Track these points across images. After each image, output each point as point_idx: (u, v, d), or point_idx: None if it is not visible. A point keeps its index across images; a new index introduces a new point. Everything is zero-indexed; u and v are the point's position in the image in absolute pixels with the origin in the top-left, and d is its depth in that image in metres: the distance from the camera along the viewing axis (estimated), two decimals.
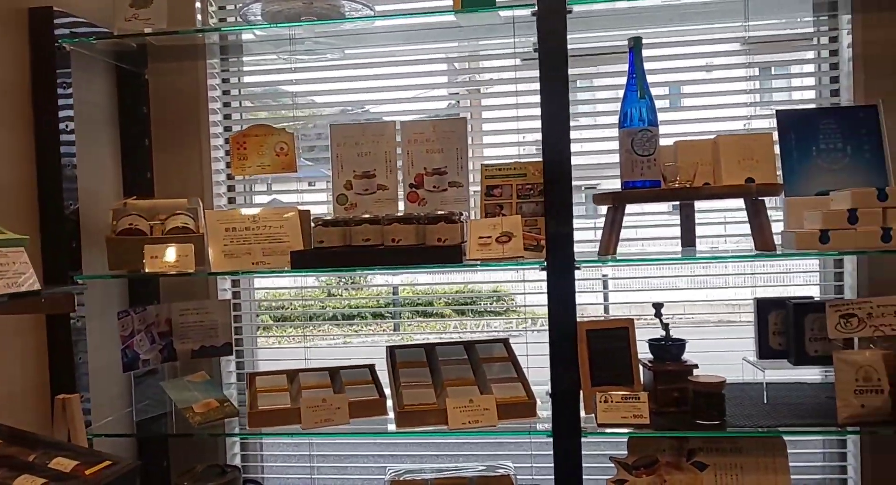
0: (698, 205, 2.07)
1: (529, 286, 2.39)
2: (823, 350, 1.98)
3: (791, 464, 1.86)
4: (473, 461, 2.27)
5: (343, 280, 3.48)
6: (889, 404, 1.76)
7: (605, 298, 2.58)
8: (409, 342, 2.27)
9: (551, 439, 1.84)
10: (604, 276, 2.70)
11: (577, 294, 1.81)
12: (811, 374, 2.30)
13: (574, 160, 1.78)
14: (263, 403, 1.97)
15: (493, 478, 2.07)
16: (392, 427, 1.91)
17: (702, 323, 2.44)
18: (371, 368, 2.15)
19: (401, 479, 2.09)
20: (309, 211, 2.07)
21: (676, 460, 1.88)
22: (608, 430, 1.81)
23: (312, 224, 1.96)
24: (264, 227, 1.99)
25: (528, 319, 2.57)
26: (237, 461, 2.54)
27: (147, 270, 1.90)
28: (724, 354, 2.29)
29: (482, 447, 2.60)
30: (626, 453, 1.90)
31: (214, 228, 1.98)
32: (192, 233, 1.99)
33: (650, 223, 2.37)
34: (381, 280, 3.59)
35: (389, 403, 1.97)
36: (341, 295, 3.64)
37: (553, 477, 1.95)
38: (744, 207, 1.84)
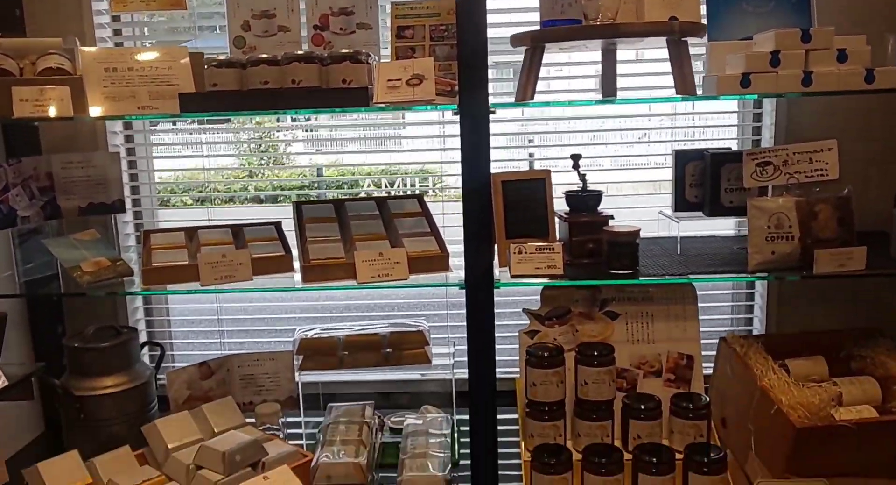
0: (621, 56, 1.97)
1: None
2: (738, 201, 1.96)
3: (701, 316, 1.87)
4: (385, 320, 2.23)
5: (265, 160, 3.28)
6: (798, 250, 1.76)
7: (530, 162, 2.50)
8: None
9: (464, 292, 1.80)
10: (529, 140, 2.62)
11: (492, 150, 1.73)
12: (725, 228, 2.32)
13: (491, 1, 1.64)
14: (158, 259, 1.84)
15: (406, 334, 2.03)
16: (298, 281, 1.82)
17: (620, 182, 2.41)
18: (277, 225, 2.03)
19: (310, 337, 2.03)
20: (202, 53, 1.88)
21: (589, 311, 1.86)
22: (522, 280, 1.77)
23: (205, 66, 1.78)
24: (150, 68, 1.80)
25: (445, 179, 2.48)
26: (141, 326, 2.43)
27: (16, 115, 1.70)
28: (641, 211, 2.28)
29: (397, 309, 2.55)
30: (539, 305, 1.87)
31: (92, 68, 1.77)
32: (67, 74, 1.78)
33: (571, 75, 2.27)
34: (304, 161, 3.42)
35: (297, 262, 1.87)
36: (263, 175, 3.45)
37: (465, 333, 1.92)
38: (667, 56, 1.74)
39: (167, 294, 2.39)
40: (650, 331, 1.84)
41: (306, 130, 2.62)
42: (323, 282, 1.81)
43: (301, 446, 2.03)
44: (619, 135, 2.38)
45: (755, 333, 2.37)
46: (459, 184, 1.73)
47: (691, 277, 1.79)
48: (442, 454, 1.72)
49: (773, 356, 1.89)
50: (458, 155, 1.71)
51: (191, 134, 2.85)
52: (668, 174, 2.08)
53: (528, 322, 1.86)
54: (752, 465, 1.76)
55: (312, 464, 1.64)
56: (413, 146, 2.47)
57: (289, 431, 2.02)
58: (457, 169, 1.76)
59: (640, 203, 2.34)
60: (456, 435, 2.03)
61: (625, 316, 1.85)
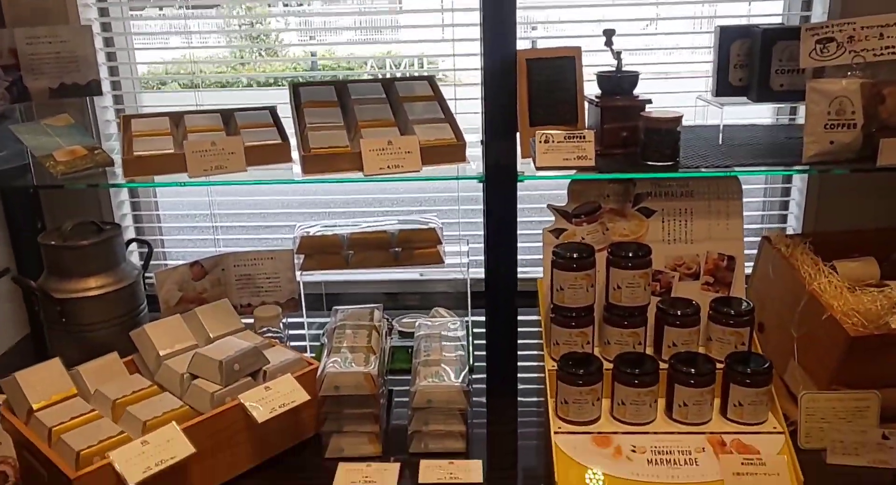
0: None
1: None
2: (791, 84, 1.74)
3: None
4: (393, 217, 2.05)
5: (256, 48, 3.01)
6: (860, 140, 1.56)
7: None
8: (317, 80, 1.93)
9: (482, 186, 1.62)
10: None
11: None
12: (762, 117, 2.11)
13: None
14: (141, 148, 1.64)
15: (417, 232, 1.86)
16: (297, 172, 1.63)
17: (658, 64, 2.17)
18: (272, 110, 1.82)
19: (312, 235, 1.85)
20: None
21: (621, 207, 1.68)
22: (548, 173, 1.57)
23: None
24: None
25: (457, 60, 2.23)
26: (128, 222, 2.26)
27: None
28: (674, 98, 2.06)
29: (397, 205, 2.36)
30: (565, 200, 1.69)
31: None
32: None
33: None
34: (299, 51, 3.13)
35: (295, 152, 1.67)
36: (255, 65, 3.17)
37: (483, 230, 1.75)
38: None
39: (152, 187, 2.20)
40: (688, 229, 1.66)
41: (299, 16, 2.36)
42: (325, 174, 1.62)
43: (304, 350, 1.90)
44: (652, 9, 2.12)
45: (790, 232, 2.21)
46: (473, 66, 1.51)
47: (737, 169, 1.60)
48: (458, 361, 1.58)
49: (820, 257, 1.72)
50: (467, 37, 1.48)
51: (176, 20, 2.58)
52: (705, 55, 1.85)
53: (553, 219, 1.68)
54: (793, 374, 1.63)
55: (318, 373, 1.50)
56: (414, 34, 2.23)
57: (291, 333, 1.88)
58: (469, 49, 1.54)
59: (674, 88, 2.11)
60: (471, 339, 1.89)
61: (661, 213, 1.66)
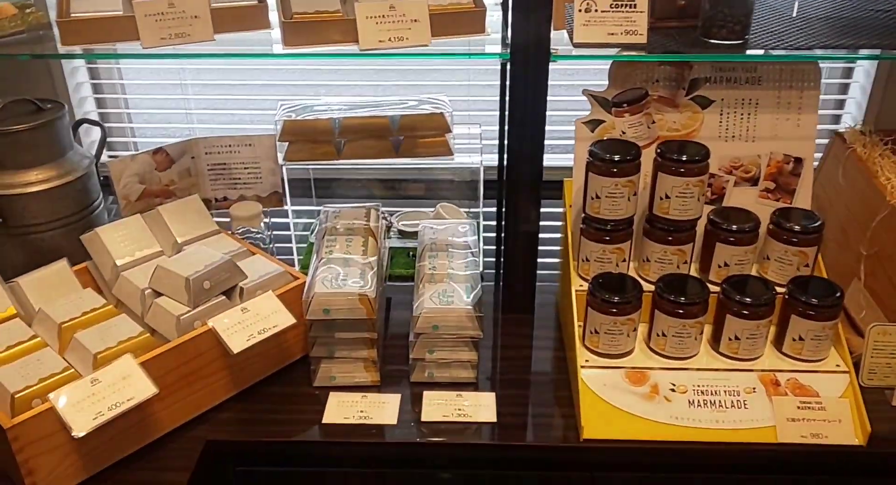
0: None
1: None
2: None
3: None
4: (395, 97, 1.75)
5: None
6: None
7: None
8: None
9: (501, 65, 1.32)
10: None
11: None
12: None
13: None
14: (79, 7, 1.31)
15: (422, 117, 1.56)
16: (278, 46, 1.32)
17: None
18: None
19: (297, 119, 1.56)
20: None
21: (672, 95, 1.38)
22: (588, 51, 1.27)
23: None
24: None
25: None
26: (89, 107, 1.94)
27: None
28: None
29: (395, 79, 2.04)
30: (605, 85, 1.39)
31: None
32: None
33: None
34: None
35: (273, 16, 1.35)
36: None
37: (499, 113, 1.46)
38: None
39: (98, 59, 1.86)
40: (751, 124, 1.38)
41: None
42: (310, 46, 1.31)
43: (290, 255, 1.66)
44: None
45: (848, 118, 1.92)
46: None
47: (819, 52, 1.29)
48: (468, 277, 1.34)
49: None
50: None
51: None
52: None
53: (590, 109, 1.39)
54: (856, 298, 1.40)
55: (305, 293, 1.26)
56: None
57: (274, 233, 1.63)
58: None
59: None
60: (481, 243, 1.65)
61: (720, 104, 1.37)
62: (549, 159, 1.39)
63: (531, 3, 1.23)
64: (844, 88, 1.93)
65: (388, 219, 1.71)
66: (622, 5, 1.26)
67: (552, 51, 1.27)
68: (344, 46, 1.30)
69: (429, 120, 1.56)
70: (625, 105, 1.38)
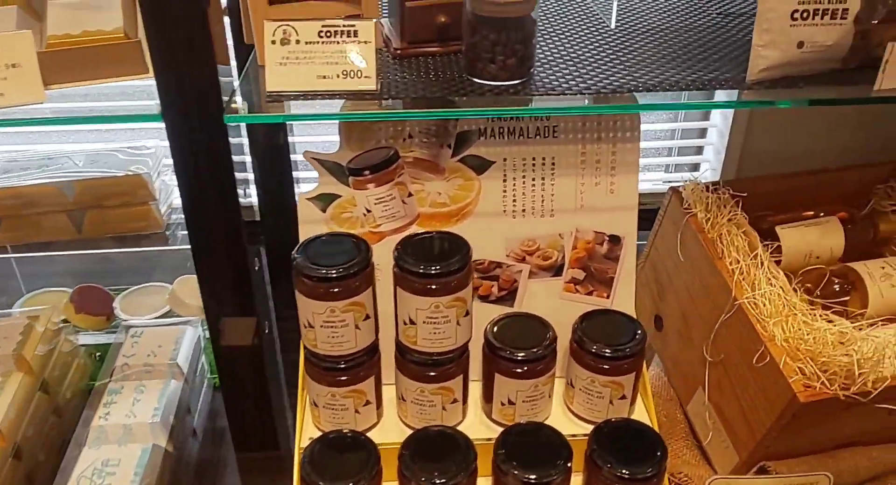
0: None
1: None
2: None
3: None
4: None
5: None
6: (849, 42, 0.88)
7: None
8: None
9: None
10: None
11: None
12: None
13: None
14: None
15: (110, 181, 1.10)
16: None
17: None
18: None
19: None
20: None
21: (434, 155, 0.96)
22: (292, 112, 0.84)
23: None
24: None
25: None
26: None
27: None
28: None
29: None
30: (338, 145, 0.96)
31: None
32: None
33: None
34: None
35: None
36: None
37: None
38: None
39: None
40: (547, 193, 0.98)
41: None
42: None
43: None
44: None
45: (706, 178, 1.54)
46: None
47: (644, 99, 0.88)
48: (154, 428, 0.93)
49: (754, 218, 1.08)
50: None
51: None
52: None
53: (318, 180, 0.96)
54: (701, 414, 1.04)
55: None
56: None
57: None
58: None
59: None
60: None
61: (501, 166, 0.96)
62: None
63: (183, 23, 0.78)
64: (702, 131, 1.56)
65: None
66: (339, 32, 0.84)
67: (234, 107, 0.84)
68: None
69: (121, 184, 1.11)
70: (366, 172, 0.95)
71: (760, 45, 0.86)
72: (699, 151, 1.59)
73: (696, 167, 1.61)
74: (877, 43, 0.89)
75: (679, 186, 1.07)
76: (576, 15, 1.07)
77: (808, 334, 0.88)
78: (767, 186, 1.13)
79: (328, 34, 0.84)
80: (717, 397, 1.01)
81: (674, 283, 1.10)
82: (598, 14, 1.07)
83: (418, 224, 0.96)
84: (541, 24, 1.03)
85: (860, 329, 0.89)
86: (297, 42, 0.84)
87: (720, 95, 0.89)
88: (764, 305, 0.93)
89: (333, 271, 0.82)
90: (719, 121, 1.49)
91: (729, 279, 0.96)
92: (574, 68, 0.90)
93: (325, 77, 0.84)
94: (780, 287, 0.95)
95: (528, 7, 0.85)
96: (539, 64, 0.92)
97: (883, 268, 1.04)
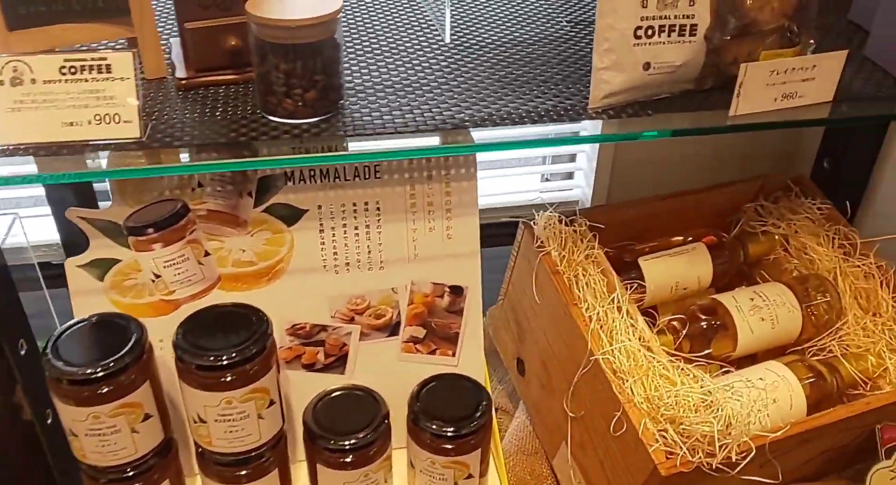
0: None
1: None
2: None
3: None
4: None
5: None
6: (701, 58, 0.77)
7: None
8: None
9: None
10: None
11: None
12: None
13: None
14: None
15: None
16: None
17: None
18: None
19: None
20: None
21: (232, 205, 0.81)
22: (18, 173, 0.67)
23: None
24: None
25: None
26: None
27: None
28: None
29: None
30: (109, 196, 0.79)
31: None
32: None
33: None
34: None
35: None
36: None
37: None
38: None
39: None
40: (374, 242, 0.84)
41: None
42: None
43: None
44: None
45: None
46: None
47: (479, 135, 0.75)
48: None
49: (618, 249, 0.98)
50: None
51: None
52: None
53: (89, 243, 0.79)
54: (566, 472, 0.93)
55: None
56: None
57: None
58: None
59: None
60: None
61: (316, 214, 0.81)
62: None
63: None
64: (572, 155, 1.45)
65: None
66: (87, 68, 0.67)
67: None
68: None
69: None
70: (150, 231, 0.78)
71: (602, 68, 0.74)
72: (573, 158, 1.49)
73: (570, 175, 1.51)
74: (730, 61, 0.78)
75: (531, 220, 0.95)
76: (407, 27, 0.92)
77: (668, 396, 0.78)
78: (629, 212, 1.02)
79: (73, 70, 0.67)
80: (581, 455, 0.91)
81: (532, 325, 0.98)
82: (433, 25, 0.93)
83: (220, 287, 0.80)
84: (360, 41, 0.88)
85: (728, 389, 0.79)
86: (34, 81, 0.67)
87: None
88: (622, 360, 0.82)
89: (99, 371, 0.65)
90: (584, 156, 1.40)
91: (584, 329, 0.85)
92: (395, 98, 0.76)
93: (72, 124, 0.67)
94: (639, 337, 0.84)
95: (327, 30, 0.71)
96: (354, 94, 0.77)
97: (752, 299, 0.95)
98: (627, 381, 0.80)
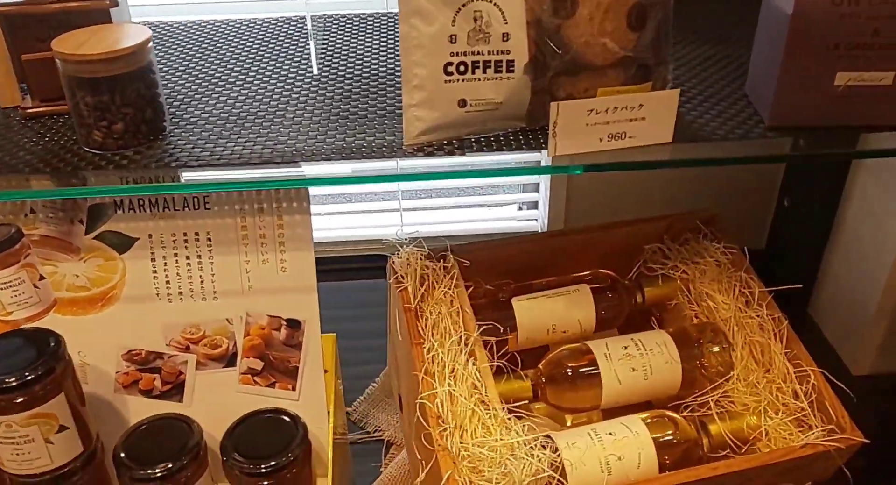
0: None
1: None
2: None
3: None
4: None
5: None
6: (526, 96, 0.73)
7: None
8: None
9: None
10: None
11: None
12: None
13: None
14: None
15: None
16: None
17: None
18: None
19: None
20: None
21: (65, 232, 0.83)
22: None
23: None
24: None
25: None
26: None
27: None
28: None
29: None
30: None
31: None
32: None
33: None
34: None
35: None
36: None
37: None
38: None
39: None
40: (206, 272, 0.84)
41: None
42: None
43: None
44: None
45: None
46: None
47: (310, 175, 0.74)
48: None
49: (494, 287, 0.95)
50: None
51: None
52: None
53: None
54: None
55: None
56: None
57: None
58: None
59: None
60: None
61: (147, 243, 0.82)
62: None
63: None
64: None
65: None
66: None
67: None
68: None
69: None
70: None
71: (413, 105, 0.72)
72: (536, 187, 1.46)
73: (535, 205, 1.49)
74: (564, 97, 0.75)
75: (394, 256, 0.93)
76: (282, 59, 0.93)
77: (477, 447, 0.74)
78: (509, 250, 0.98)
79: None
80: None
81: (400, 363, 0.96)
82: (307, 57, 0.94)
83: (56, 311, 0.82)
84: (235, 73, 0.89)
85: (545, 444, 0.75)
86: None
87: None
88: (447, 404, 0.79)
89: (12, 380, 0.69)
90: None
91: (420, 368, 0.82)
92: (232, 130, 0.77)
93: None
94: (472, 383, 0.80)
95: (132, 63, 0.72)
96: (192, 123, 0.78)
97: (626, 347, 0.90)
98: (447, 427, 0.77)
